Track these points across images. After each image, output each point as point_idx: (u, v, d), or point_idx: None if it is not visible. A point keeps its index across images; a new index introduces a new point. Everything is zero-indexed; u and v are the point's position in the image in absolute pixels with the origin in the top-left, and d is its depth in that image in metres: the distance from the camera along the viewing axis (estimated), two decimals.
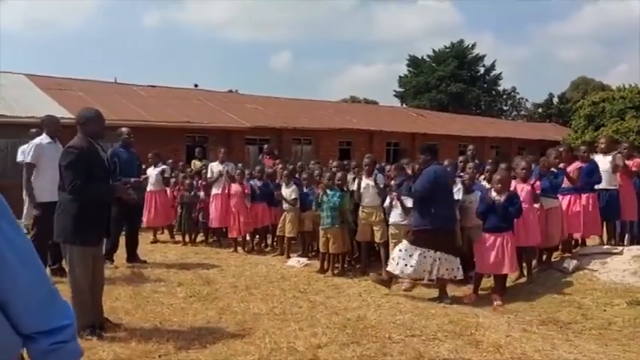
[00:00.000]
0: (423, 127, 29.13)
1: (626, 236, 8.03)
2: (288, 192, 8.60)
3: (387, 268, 6.37)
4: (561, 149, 7.26)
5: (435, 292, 6.40)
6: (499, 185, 6.00)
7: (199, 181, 10.31)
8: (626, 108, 25.99)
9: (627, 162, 7.56)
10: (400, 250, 6.14)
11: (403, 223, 6.86)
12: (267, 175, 9.74)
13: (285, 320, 5.25)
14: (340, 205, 7.39)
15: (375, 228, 7.34)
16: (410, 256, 6.04)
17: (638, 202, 7.74)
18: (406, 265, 6.05)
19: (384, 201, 7.29)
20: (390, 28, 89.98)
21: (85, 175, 4.45)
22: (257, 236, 9.74)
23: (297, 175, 9.34)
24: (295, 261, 8.19)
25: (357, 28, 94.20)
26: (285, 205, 8.61)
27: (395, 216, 6.98)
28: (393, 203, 6.96)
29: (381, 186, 7.34)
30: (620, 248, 6.72)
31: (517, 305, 5.87)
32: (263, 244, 9.72)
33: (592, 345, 4.73)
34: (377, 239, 7.37)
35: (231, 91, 31.97)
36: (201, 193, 10.05)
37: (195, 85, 28.93)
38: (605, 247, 7.09)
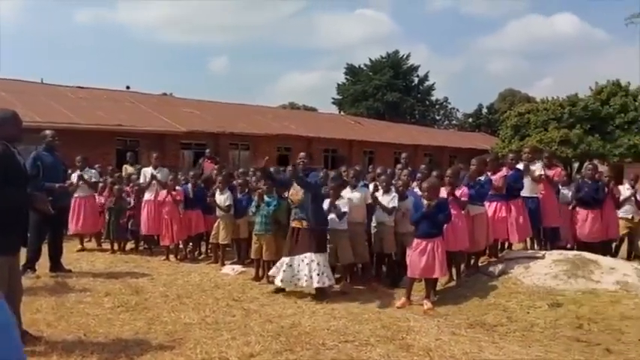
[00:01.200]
0: (361, 135, 29.62)
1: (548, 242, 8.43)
2: (222, 198, 8.46)
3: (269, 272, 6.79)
4: (486, 158, 7.54)
5: (371, 297, 6.48)
6: (427, 193, 6.17)
7: (129, 187, 9.95)
8: (549, 119, 27.48)
9: (548, 172, 7.97)
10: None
11: (338, 227, 6.89)
12: (204, 181, 9.55)
13: (217, 329, 5.14)
14: (275, 213, 7.33)
15: None
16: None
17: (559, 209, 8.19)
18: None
19: None
20: (329, 35, 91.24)
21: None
22: (190, 244, 9.51)
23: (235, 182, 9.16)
24: (230, 269, 8.06)
25: (297, 35, 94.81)
26: (218, 212, 8.46)
27: (330, 222, 6.99)
28: (332, 208, 6.96)
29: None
30: (542, 253, 7.06)
31: (447, 309, 6.04)
32: (197, 252, 9.50)
33: (516, 346, 4.93)
34: None
35: (165, 94, 31.16)
36: (130, 199, 9.71)
37: (127, 87, 28.00)
38: (529, 251, 7.44)
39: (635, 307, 5.59)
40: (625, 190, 8.98)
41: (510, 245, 8.00)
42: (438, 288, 6.63)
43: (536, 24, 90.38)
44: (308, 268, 6.34)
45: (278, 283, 6.54)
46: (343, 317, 5.62)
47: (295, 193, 6.57)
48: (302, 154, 7.11)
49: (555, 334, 5.22)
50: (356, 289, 6.89)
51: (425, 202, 6.15)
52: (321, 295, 6.36)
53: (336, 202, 6.75)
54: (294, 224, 6.58)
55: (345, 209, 6.81)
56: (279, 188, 7.23)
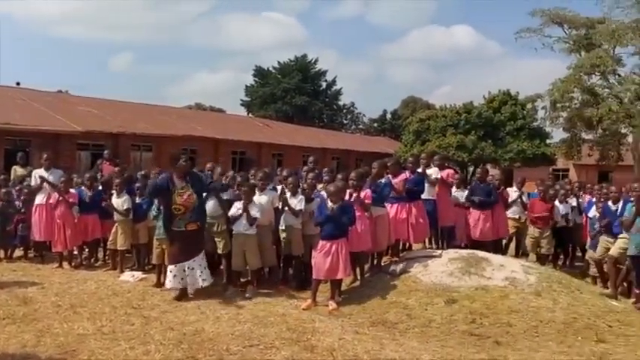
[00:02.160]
0: (269, 137, 29.57)
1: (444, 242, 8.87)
2: (119, 202, 8.06)
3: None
4: (387, 161, 7.80)
5: (277, 300, 6.47)
6: (333, 195, 6.27)
7: (18, 190, 9.21)
8: (447, 125, 29.05)
9: (441, 173, 8.39)
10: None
11: (247, 232, 6.82)
12: (102, 183, 9.04)
13: (114, 339, 4.89)
14: None
15: (217, 239, 7.19)
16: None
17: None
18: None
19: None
20: (238, 36, 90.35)
21: None
22: (86, 250, 8.97)
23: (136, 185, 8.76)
24: (129, 275, 7.69)
25: (204, 35, 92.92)
26: (116, 216, 8.05)
27: (239, 226, 6.90)
28: (240, 213, 6.85)
29: (224, 197, 7.22)
30: (440, 252, 7.42)
31: (351, 308, 6.17)
32: (93, 259, 8.95)
33: (415, 342, 5.14)
34: (219, 250, 7.22)
35: (60, 91, 29.19)
36: (18, 203, 8.99)
37: (18, 84, 25.91)
38: (427, 251, 7.79)
39: (522, 301, 6.02)
40: (513, 192, 9.66)
41: (410, 245, 8.33)
42: (342, 288, 6.76)
43: (437, 34, 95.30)
44: (200, 267, 6.57)
45: (173, 286, 6.54)
46: (248, 321, 5.56)
47: (188, 196, 6.48)
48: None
49: (451, 329, 5.51)
50: (263, 293, 6.84)
51: (329, 204, 6.25)
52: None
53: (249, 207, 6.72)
54: (190, 227, 6.51)
55: (257, 214, 6.76)
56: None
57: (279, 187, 7.73)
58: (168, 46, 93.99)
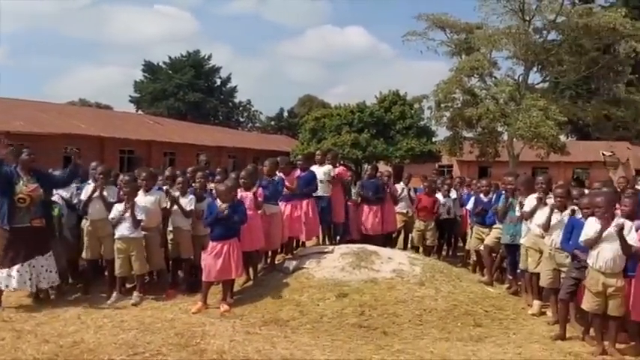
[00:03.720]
0: (160, 135, 28.51)
1: (337, 237, 9.05)
2: None
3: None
4: (278, 159, 7.79)
5: (166, 306, 6.23)
6: (223, 195, 6.15)
7: None
8: (342, 124, 29.81)
9: (334, 171, 8.55)
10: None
11: (132, 235, 6.49)
12: None
13: None
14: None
15: (103, 244, 6.76)
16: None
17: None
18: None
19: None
20: (126, 29, 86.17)
21: None
22: None
23: None
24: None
25: (89, 27, 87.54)
26: None
27: (123, 229, 6.53)
28: (126, 215, 6.49)
29: (112, 199, 6.79)
30: (332, 247, 7.55)
31: (243, 308, 6.08)
32: None
33: (306, 338, 5.19)
34: (105, 255, 6.80)
35: None
36: None
37: None
38: (320, 246, 7.90)
39: (408, 292, 6.28)
40: (401, 188, 10.07)
41: (304, 243, 8.40)
42: (235, 289, 6.65)
43: (332, 34, 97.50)
44: (45, 267, 6.25)
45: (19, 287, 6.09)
46: (133, 329, 5.29)
47: (35, 188, 6.11)
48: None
49: (341, 323, 5.62)
50: (151, 298, 6.55)
51: (219, 203, 6.12)
52: None
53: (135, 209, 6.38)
54: (36, 223, 6.14)
55: (141, 216, 6.45)
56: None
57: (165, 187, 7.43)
58: (48, 38, 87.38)
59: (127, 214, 6.42)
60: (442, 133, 30.55)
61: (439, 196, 9.69)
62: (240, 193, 6.61)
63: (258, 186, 6.86)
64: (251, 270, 7.10)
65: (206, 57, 50.41)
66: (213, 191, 6.79)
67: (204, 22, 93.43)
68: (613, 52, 25.49)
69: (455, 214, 9.95)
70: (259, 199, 6.68)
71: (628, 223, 4.92)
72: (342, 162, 27.91)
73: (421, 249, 9.27)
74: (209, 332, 5.20)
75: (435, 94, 26.68)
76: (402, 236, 10.11)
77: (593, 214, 5.11)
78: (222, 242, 6.13)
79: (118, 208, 6.51)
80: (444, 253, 10.10)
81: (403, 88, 33.16)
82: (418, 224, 9.38)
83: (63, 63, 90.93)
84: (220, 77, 51.66)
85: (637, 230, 4.97)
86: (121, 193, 6.72)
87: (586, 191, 6.65)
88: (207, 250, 6.21)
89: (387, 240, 9.33)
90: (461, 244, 10.40)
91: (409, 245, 9.95)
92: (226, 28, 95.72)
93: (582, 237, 5.06)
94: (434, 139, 30.88)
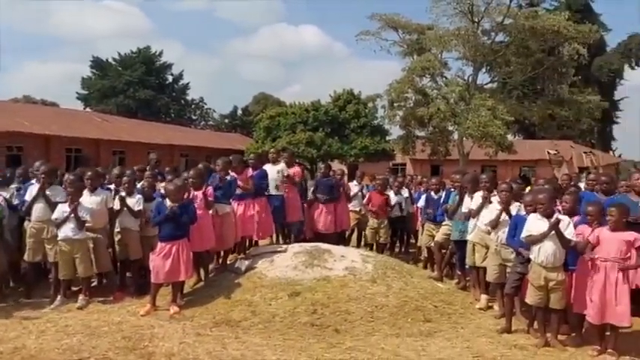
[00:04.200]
0: (109, 133, 27.70)
1: (292, 236, 9.03)
2: None
3: None
4: (231, 158, 7.70)
5: (113, 309, 6.05)
6: (172, 195, 6.04)
7: None
8: (296, 122, 29.72)
9: (289, 171, 8.53)
10: None
11: (76, 237, 6.27)
12: None
13: None
14: None
15: (47, 246, 6.50)
16: None
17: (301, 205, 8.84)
18: None
19: None
20: (73, 24, 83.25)
21: None
22: None
23: None
24: None
25: (33, 21, 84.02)
26: None
27: (66, 231, 6.30)
28: (70, 216, 6.25)
29: (57, 200, 6.53)
30: (285, 246, 7.53)
31: (193, 310, 5.98)
32: None
33: (258, 339, 5.15)
34: (50, 258, 6.54)
35: None
36: None
37: None
38: (273, 246, 7.86)
39: (360, 289, 6.33)
40: (354, 186, 10.15)
41: (257, 242, 8.34)
42: (186, 290, 6.54)
43: (287, 33, 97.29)
44: None
45: None
46: (78, 333, 5.13)
47: None
48: None
49: (293, 322, 5.61)
50: (98, 301, 6.35)
51: (168, 203, 6.00)
52: None
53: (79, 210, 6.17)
54: None
55: (86, 217, 6.23)
56: None
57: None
58: None
59: (71, 215, 6.19)
60: (396, 131, 31.05)
61: (391, 193, 9.82)
62: (191, 192, 6.49)
63: (207, 185, 6.74)
64: (202, 271, 6.99)
65: (157, 53, 49.31)
66: (162, 191, 6.65)
67: (155, 18, 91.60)
68: (557, 54, 26.51)
69: (407, 212, 10.12)
70: (209, 198, 6.58)
71: (565, 219, 5.13)
72: (297, 161, 28.02)
73: (374, 246, 9.37)
74: (158, 335, 5.09)
75: (388, 93, 27.06)
76: (355, 234, 10.19)
77: (535, 211, 5.28)
78: (171, 243, 6.02)
79: (62, 208, 6.27)
80: (396, 250, 10.25)
81: (357, 87, 33.39)
82: (371, 222, 9.47)
83: (5, 58, 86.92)
84: (172, 74, 50.64)
85: (575, 226, 5.18)
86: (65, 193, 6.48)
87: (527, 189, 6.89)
88: (156, 251, 6.08)
89: (340, 238, 9.38)
90: (413, 241, 10.57)
91: (362, 243, 10.06)
92: (178, 24, 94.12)
93: (524, 233, 5.23)
94: (387, 138, 31.25)
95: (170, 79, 50.69)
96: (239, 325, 5.54)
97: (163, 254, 5.99)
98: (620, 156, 42.79)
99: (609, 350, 4.92)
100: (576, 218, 5.42)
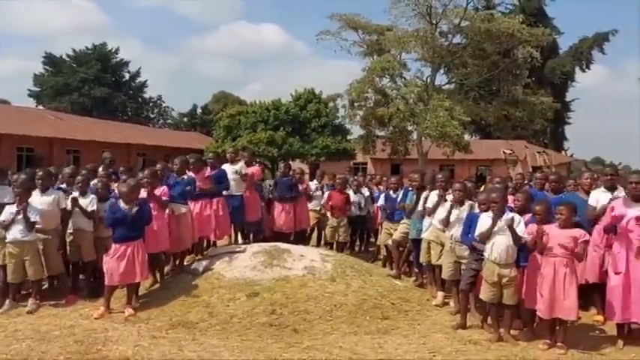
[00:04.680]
0: (63, 132, 26.89)
1: (251, 235, 8.97)
2: None
3: None
4: (189, 158, 7.59)
5: (66, 312, 5.87)
6: (126, 195, 5.91)
7: None
8: (257, 122, 29.56)
9: (249, 170, 8.47)
10: None
11: (26, 239, 6.05)
12: None
13: None
14: None
15: None
16: None
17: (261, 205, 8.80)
18: None
19: None
20: (25, 19, 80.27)
21: None
22: None
23: None
24: None
25: None
26: None
27: (15, 233, 6.07)
28: (19, 217, 6.02)
29: (6, 200, 6.27)
30: (244, 246, 7.46)
31: (149, 312, 5.87)
32: None
33: (215, 340, 5.10)
34: None
35: None
36: None
37: None
38: (231, 246, 7.79)
39: (319, 288, 6.35)
40: (313, 185, 10.16)
41: (215, 243, 8.25)
42: (141, 292, 6.41)
43: (247, 31, 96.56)
44: None
45: None
46: (28, 338, 4.97)
47: None
48: None
49: (252, 323, 5.58)
50: (49, 305, 6.15)
51: (122, 204, 5.87)
52: None
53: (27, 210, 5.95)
54: None
55: (35, 218, 6.02)
56: None
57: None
58: None
59: (20, 216, 5.98)
60: (356, 131, 31.27)
61: (351, 192, 9.89)
62: (145, 192, 6.37)
63: (162, 185, 6.62)
64: (157, 272, 6.86)
65: (113, 50, 48.13)
66: (116, 191, 6.49)
67: (112, 14, 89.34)
68: (512, 56, 27.27)
69: (367, 211, 10.20)
70: (164, 198, 6.46)
71: (517, 217, 5.28)
72: (257, 160, 27.87)
73: (334, 245, 9.41)
74: (112, 338, 4.98)
75: (349, 93, 27.24)
76: (315, 233, 10.21)
77: (489, 209, 5.42)
78: (126, 244, 5.88)
79: (10, 209, 6.05)
80: (356, 249, 10.33)
81: (318, 86, 33.37)
82: (331, 221, 9.51)
83: None
84: (129, 72, 49.56)
85: (527, 224, 5.34)
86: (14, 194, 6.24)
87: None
88: (110, 252, 5.93)
89: (300, 237, 9.38)
90: (373, 240, 10.67)
91: (322, 242, 10.08)
92: (136, 21, 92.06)
93: (477, 231, 5.36)
94: (349, 137, 31.45)
95: (127, 76, 49.63)
96: (196, 327, 5.46)
97: (118, 256, 5.85)
98: (572, 155, 44.33)
99: (559, 344, 5.09)
100: (528, 216, 5.59)
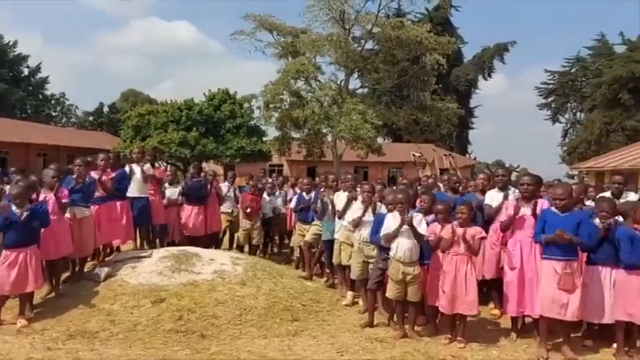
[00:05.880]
0: None
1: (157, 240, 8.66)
2: None
3: None
4: (89, 158, 7.21)
5: None
6: (18, 198, 5.49)
7: None
8: (168, 121, 28.60)
9: (154, 171, 8.18)
10: None
11: None
12: None
13: None
14: None
15: None
16: None
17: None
18: None
19: None
20: None
21: None
22: None
23: None
24: None
25: None
26: None
27: None
28: None
29: None
30: (150, 251, 7.19)
31: (44, 322, 5.50)
32: None
33: (117, 349, 4.86)
34: None
35: None
36: None
37: None
38: (137, 251, 7.47)
39: (228, 292, 6.24)
40: (225, 187, 9.99)
41: (119, 248, 7.89)
42: (36, 301, 5.97)
43: (158, 27, 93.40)
44: None
45: None
46: None
47: None
48: None
49: (157, 330, 5.38)
50: None
51: (14, 208, 5.44)
52: None
53: None
54: None
55: None
56: None
57: None
58: None
59: None
60: (272, 132, 31.15)
61: (264, 194, 9.82)
62: (43, 194, 5.96)
63: (59, 187, 6.20)
64: (54, 280, 6.43)
65: (10, 44, 44.76)
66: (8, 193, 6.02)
67: (10, 5, 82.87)
68: (420, 63, 28.38)
69: (280, 213, 10.18)
70: (63, 200, 6.08)
71: (418, 216, 5.49)
72: (169, 161, 26.98)
73: (247, 248, 9.30)
74: (1, 351, 4.61)
75: (264, 94, 27.08)
76: (227, 236, 10.04)
77: (395, 209, 5.59)
78: (18, 250, 5.47)
79: None
80: (269, 250, 10.27)
81: (233, 86, 32.93)
82: (244, 223, 9.39)
83: None
84: (28, 67, 46.25)
85: (428, 224, 5.57)
86: None
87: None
88: (0, 259, 5.48)
89: (212, 241, 9.19)
90: (287, 242, 10.66)
91: (234, 245, 9.93)
92: (36, 13, 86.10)
93: (383, 231, 5.51)
94: (264, 139, 31.25)
95: (26, 71, 46.30)
96: (96, 337, 5.18)
97: (8, 263, 5.42)
98: (475, 158, 47.01)
99: (459, 338, 5.35)
100: (432, 216, 5.82)
